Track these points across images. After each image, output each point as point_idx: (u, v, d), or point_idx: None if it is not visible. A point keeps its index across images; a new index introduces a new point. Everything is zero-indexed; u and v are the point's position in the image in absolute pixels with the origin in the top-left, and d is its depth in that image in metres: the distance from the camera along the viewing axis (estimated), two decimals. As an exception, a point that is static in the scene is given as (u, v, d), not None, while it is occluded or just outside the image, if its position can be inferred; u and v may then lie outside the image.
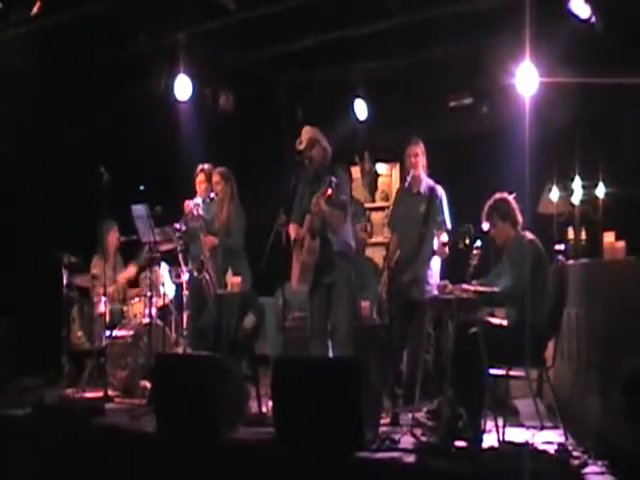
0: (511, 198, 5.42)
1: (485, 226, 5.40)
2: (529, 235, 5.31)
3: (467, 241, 5.51)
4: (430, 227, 6.06)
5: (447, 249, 5.88)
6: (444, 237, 5.92)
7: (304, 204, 6.15)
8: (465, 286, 5.20)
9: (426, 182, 6.24)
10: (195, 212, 6.96)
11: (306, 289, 6.08)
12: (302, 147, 6.11)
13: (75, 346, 7.54)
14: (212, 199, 7.04)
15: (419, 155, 6.23)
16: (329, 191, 5.84)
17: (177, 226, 6.90)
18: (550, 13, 6.62)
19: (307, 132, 6.17)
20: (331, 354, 6.02)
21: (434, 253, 5.98)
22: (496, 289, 5.17)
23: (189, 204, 7.02)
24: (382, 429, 5.13)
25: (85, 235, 7.58)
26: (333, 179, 5.85)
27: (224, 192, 6.99)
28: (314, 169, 6.15)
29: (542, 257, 5.22)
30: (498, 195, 5.43)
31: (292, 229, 6.07)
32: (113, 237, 7.80)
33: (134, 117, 8.11)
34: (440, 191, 6.21)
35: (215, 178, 7.03)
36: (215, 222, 7.03)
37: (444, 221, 6.12)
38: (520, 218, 5.36)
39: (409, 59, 8.23)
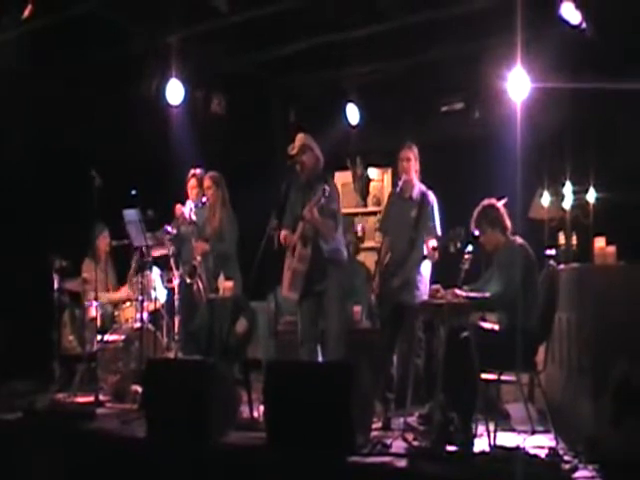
0: (500, 204, 5.42)
1: (476, 232, 5.41)
2: (519, 240, 5.32)
3: (458, 245, 5.51)
4: (421, 232, 6.06)
5: (437, 253, 5.87)
6: (432, 243, 5.91)
7: (296, 211, 6.15)
8: (457, 291, 5.20)
9: (418, 187, 6.23)
10: (187, 216, 6.96)
11: (296, 297, 6.08)
12: (293, 152, 6.13)
13: (66, 350, 7.51)
14: (204, 204, 7.03)
15: (411, 160, 6.21)
16: (322, 200, 5.86)
17: (168, 229, 6.89)
18: (541, 19, 6.65)
19: (300, 139, 6.19)
20: (321, 359, 6.03)
21: (424, 257, 5.98)
22: (487, 294, 5.18)
23: (180, 208, 7.02)
24: (374, 433, 5.14)
25: (76, 239, 7.56)
26: (326, 188, 5.88)
27: (215, 197, 6.98)
28: (306, 176, 6.17)
29: (532, 262, 5.24)
30: (486, 202, 5.43)
31: (283, 235, 6.08)
32: (103, 241, 7.77)
33: (126, 121, 8.10)
34: (432, 197, 6.20)
35: (206, 183, 7.03)
36: (207, 227, 7.02)
37: (434, 227, 6.11)
38: (509, 223, 5.36)
39: (401, 63, 8.25)
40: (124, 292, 7.67)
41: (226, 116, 8.87)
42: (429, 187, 6.28)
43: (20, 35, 7.15)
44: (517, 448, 4.76)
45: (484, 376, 5.03)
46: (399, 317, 6.03)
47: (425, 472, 4.46)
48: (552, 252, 6.52)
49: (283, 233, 6.08)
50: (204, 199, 6.98)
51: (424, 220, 6.10)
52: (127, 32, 7.75)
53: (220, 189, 6.99)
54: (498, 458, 4.57)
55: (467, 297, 5.17)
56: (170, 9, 7.24)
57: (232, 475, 4.93)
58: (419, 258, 6.03)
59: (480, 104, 8.19)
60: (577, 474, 4.28)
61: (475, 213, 5.40)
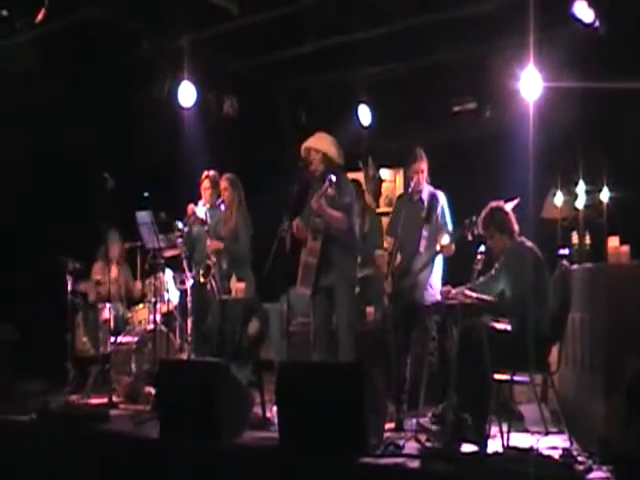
0: (508, 207, 5.40)
1: (482, 233, 5.41)
2: (527, 242, 5.30)
3: (475, 232, 5.50)
4: (431, 232, 6.06)
5: (453, 246, 5.86)
6: (445, 239, 5.90)
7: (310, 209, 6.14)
8: (467, 292, 5.19)
9: (427, 189, 6.25)
10: (200, 217, 6.96)
11: (308, 292, 6.07)
12: (301, 162, 6.15)
13: (80, 352, 7.56)
14: (218, 205, 7.02)
15: (425, 170, 6.22)
16: (329, 190, 5.85)
17: (180, 225, 6.88)
18: (554, 18, 6.63)
19: (307, 143, 6.19)
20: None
21: (437, 253, 5.97)
22: (493, 299, 5.16)
23: (192, 207, 7.02)
24: (386, 434, 5.12)
25: (90, 241, 7.59)
26: (332, 177, 5.87)
27: (231, 199, 6.98)
28: (319, 174, 6.15)
29: (541, 264, 5.22)
30: (494, 204, 5.41)
31: (296, 224, 6.04)
32: (115, 249, 7.80)
33: (138, 123, 8.13)
34: (441, 197, 6.21)
35: (223, 184, 7.03)
36: (222, 228, 7.03)
37: (445, 224, 6.12)
38: (517, 227, 5.35)
39: (413, 64, 8.24)
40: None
41: (238, 118, 8.88)
42: (438, 187, 6.28)
43: (33, 38, 7.20)
44: (530, 449, 4.73)
45: (497, 377, 5.02)
46: (412, 317, 6.03)
47: (438, 473, 4.44)
48: (565, 252, 6.51)
49: (296, 223, 6.06)
50: (219, 201, 6.98)
51: (434, 220, 6.10)
52: (139, 35, 7.79)
53: (236, 191, 7.00)
54: (511, 459, 4.54)
55: (477, 298, 5.17)
56: (181, 12, 7.26)
57: (245, 476, 4.93)
58: (431, 258, 6.03)
59: (492, 104, 8.17)
60: (591, 475, 4.24)
61: (482, 216, 5.39)
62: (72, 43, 7.50)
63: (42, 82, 7.65)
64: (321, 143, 6.15)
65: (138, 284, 7.82)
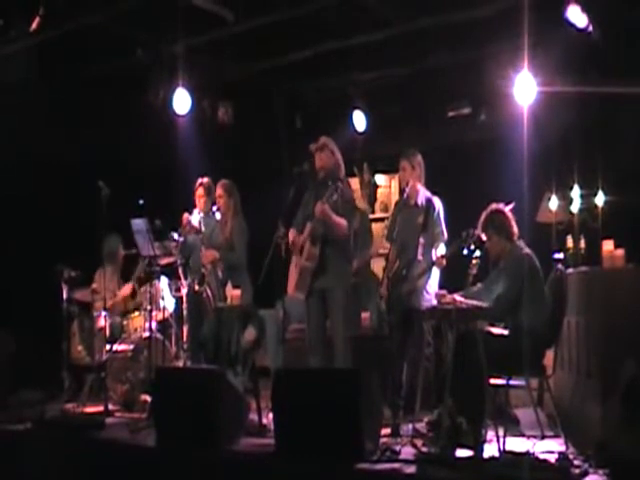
0: (507, 209, 5.40)
1: (483, 236, 5.40)
2: (524, 248, 5.30)
3: (472, 247, 5.49)
4: (428, 238, 6.07)
5: (444, 261, 5.87)
6: (441, 248, 5.93)
7: (308, 211, 6.13)
8: (458, 298, 5.19)
9: (423, 194, 6.26)
10: (195, 225, 6.94)
11: (302, 296, 6.06)
12: (315, 147, 6.13)
13: (75, 360, 7.53)
14: (213, 213, 7.00)
15: (406, 169, 6.26)
16: (334, 196, 5.84)
17: (175, 236, 6.86)
18: (548, 22, 6.65)
19: (323, 139, 6.20)
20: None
21: (433, 264, 5.98)
22: (484, 304, 5.16)
23: (187, 216, 7.01)
24: (382, 440, 5.11)
25: (85, 250, 7.58)
26: (339, 184, 5.88)
27: (227, 206, 6.96)
28: (323, 176, 6.13)
29: (536, 270, 5.22)
30: (494, 206, 5.40)
31: (291, 236, 6.06)
32: (121, 252, 7.80)
33: (133, 131, 8.13)
34: (437, 202, 6.22)
35: (218, 191, 7.01)
36: (218, 236, 7.01)
37: (442, 232, 6.13)
38: (516, 230, 5.34)
39: (407, 69, 8.27)
40: (127, 289, 7.69)
41: (233, 124, 8.89)
42: (435, 192, 6.29)
43: (28, 47, 7.21)
44: (527, 453, 4.74)
45: (493, 381, 5.01)
46: (409, 323, 6.03)
47: (434, 478, 4.44)
48: (560, 256, 6.50)
49: (291, 234, 6.06)
50: (214, 208, 6.97)
51: (431, 226, 6.11)
52: (133, 42, 7.79)
53: (232, 198, 6.98)
54: (507, 463, 4.55)
55: (468, 304, 5.18)
56: (176, 19, 7.26)
57: (241, 483, 4.93)
58: (428, 264, 6.03)
59: (487, 108, 8.19)
60: (587, 478, 4.24)
61: (482, 217, 5.38)
62: (67, 52, 7.51)
63: (38, 89, 7.65)
64: (337, 150, 6.17)
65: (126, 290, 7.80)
